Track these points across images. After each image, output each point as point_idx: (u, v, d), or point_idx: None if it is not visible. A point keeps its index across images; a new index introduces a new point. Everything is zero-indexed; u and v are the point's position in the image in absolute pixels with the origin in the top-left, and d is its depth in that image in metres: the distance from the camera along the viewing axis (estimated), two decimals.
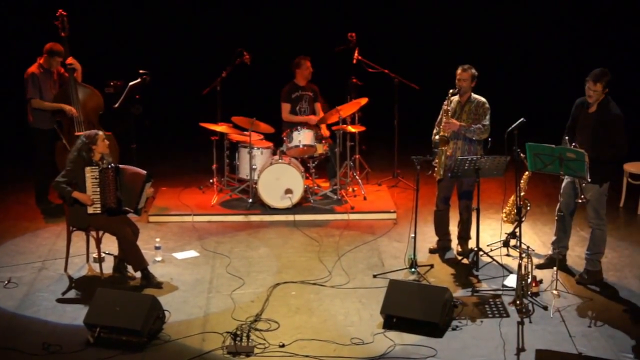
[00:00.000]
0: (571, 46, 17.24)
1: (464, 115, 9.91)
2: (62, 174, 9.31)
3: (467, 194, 10.07)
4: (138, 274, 9.41)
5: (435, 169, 9.89)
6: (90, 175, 9.27)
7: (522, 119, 9.22)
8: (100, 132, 9.46)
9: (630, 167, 11.84)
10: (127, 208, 9.46)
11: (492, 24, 17.17)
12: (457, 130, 9.80)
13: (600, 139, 8.98)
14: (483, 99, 9.97)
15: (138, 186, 9.48)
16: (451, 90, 9.87)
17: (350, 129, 12.18)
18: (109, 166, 9.37)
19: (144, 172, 9.58)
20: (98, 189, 9.29)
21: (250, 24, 16.87)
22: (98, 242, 9.54)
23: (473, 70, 9.90)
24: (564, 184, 9.54)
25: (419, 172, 9.58)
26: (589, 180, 8.77)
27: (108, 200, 9.35)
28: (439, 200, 10.23)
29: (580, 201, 9.12)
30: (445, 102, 9.87)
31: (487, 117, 9.86)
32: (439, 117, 9.92)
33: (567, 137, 9.18)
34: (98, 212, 9.34)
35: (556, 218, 9.71)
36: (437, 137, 9.87)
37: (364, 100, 11.97)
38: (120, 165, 9.52)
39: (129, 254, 9.37)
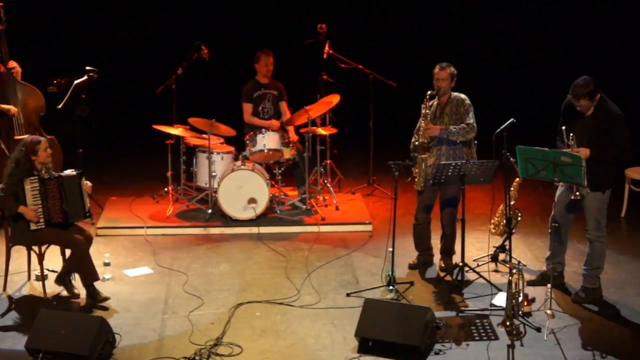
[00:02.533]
0: (565, 41, 17.34)
1: (445, 118, 9.88)
2: (0, 187, 9.23)
3: (452, 201, 10.00)
4: (83, 290, 9.36)
5: (416, 178, 9.88)
6: (30, 187, 9.19)
7: (511, 119, 9.23)
8: (43, 140, 9.37)
9: (633, 173, 11.82)
10: (74, 222, 9.48)
11: (479, 14, 17.24)
12: (439, 135, 9.79)
13: (602, 142, 8.94)
14: (462, 96, 9.94)
15: (77, 189, 9.46)
16: (429, 92, 9.80)
17: (321, 131, 12.18)
18: (51, 176, 9.29)
19: (73, 171, 9.54)
20: (40, 202, 9.23)
21: (208, 14, 16.84)
22: (40, 258, 9.46)
23: (452, 69, 9.86)
24: (558, 192, 9.53)
25: (397, 178, 9.53)
26: (586, 186, 8.78)
27: (53, 215, 9.30)
28: (418, 211, 10.17)
29: (573, 197, 9.05)
30: (424, 105, 9.83)
31: (471, 114, 9.82)
32: (418, 123, 9.88)
33: (563, 127, 9.16)
34: (42, 227, 9.28)
35: (550, 230, 9.72)
36: (416, 143, 9.85)
37: (335, 99, 11.95)
38: (63, 174, 9.45)
39: (81, 265, 9.31)
